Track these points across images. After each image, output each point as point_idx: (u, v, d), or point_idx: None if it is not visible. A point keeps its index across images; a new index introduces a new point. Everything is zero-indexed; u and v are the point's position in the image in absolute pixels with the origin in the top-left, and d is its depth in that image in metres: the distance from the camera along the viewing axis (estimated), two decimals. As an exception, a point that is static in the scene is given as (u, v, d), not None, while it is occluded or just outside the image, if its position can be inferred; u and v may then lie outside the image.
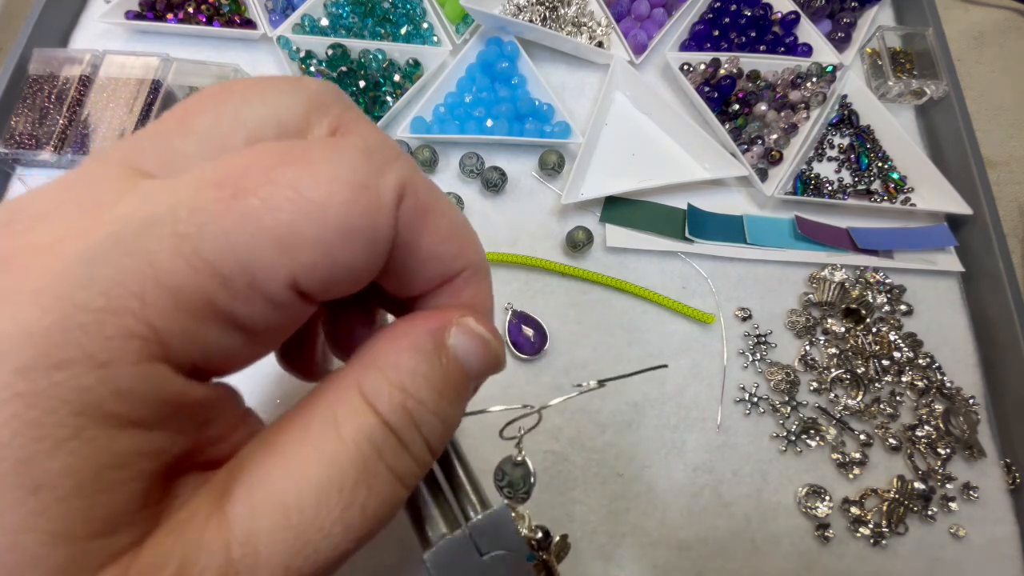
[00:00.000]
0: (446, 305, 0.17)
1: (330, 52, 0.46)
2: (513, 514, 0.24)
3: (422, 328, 0.16)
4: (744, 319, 0.42)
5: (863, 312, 0.41)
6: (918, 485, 0.37)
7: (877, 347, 0.41)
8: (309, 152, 0.14)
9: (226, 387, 0.15)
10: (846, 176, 0.47)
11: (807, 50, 0.50)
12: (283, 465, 0.14)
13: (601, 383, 0.24)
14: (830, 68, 0.48)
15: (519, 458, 0.26)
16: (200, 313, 0.12)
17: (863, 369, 0.40)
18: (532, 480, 0.25)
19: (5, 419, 0.10)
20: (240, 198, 0.12)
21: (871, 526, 0.36)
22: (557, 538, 0.29)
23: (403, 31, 0.48)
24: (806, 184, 0.46)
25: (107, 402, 0.11)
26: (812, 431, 0.38)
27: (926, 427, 0.39)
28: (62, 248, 0.11)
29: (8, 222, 0.12)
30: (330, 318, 0.20)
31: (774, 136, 0.46)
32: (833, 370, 0.40)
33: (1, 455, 0.10)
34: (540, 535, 0.26)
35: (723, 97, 0.47)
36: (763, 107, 0.47)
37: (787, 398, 0.39)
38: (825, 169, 0.48)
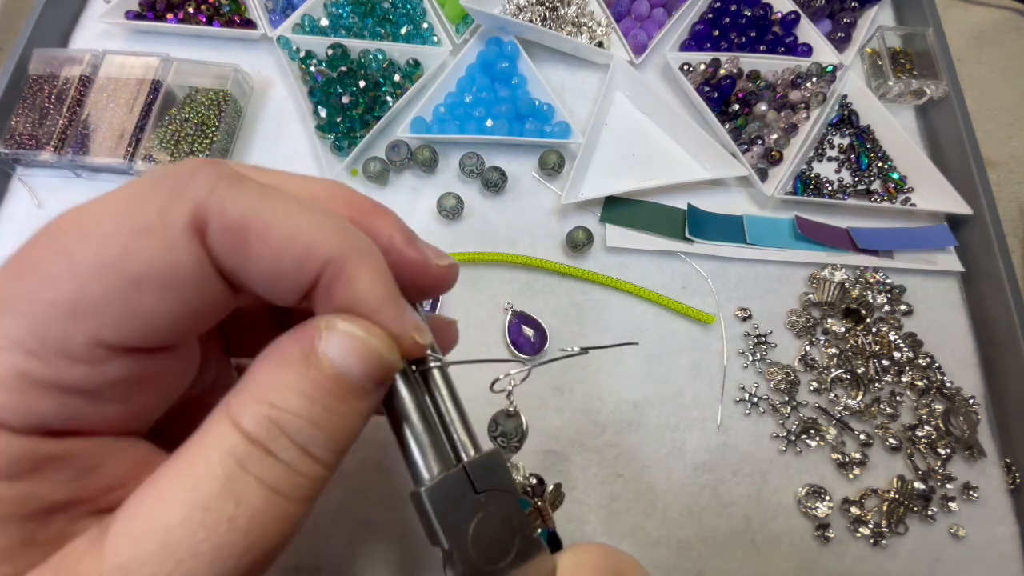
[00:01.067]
0: (323, 312, 0.16)
1: (330, 52, 0.46)
2: (508, 464, 0.25)
3: (289, 341, 0.15)
4: (744, 319, 0.42)
5: (863, 312, 0.41)
6: (918, 485, 0.37)
7: (877, 347, 0.41)
8: (89, 208, 0.14)
9: (124, 438, 0.15)
10: (846, 176, 0.47)
11: (807, 50, 0.50)
12: (156, 493, 0.14)
13: (584, 350, 0.25)
14: (830, 68, 0.48)
15: (512, 409, 0.27)
16: (19, 386, 0.13)
17: (863, 369, 0.40)
18: (524, 430, 0.26)
19: None
20: (23, 278, 0.13)
21: (871, 526, 0.36)
22: (551, 487, 0.29)
23: (403, 31, 0.48)
24: (806, 184, 0.46)
25: None
26: (812, 431, 0.38)
27: (926, 427, 0.39)
28: None
29: None
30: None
31: (774, 136, 0.46)
32: (833, 370, 0.40)
33: None
34: (535, 482, 0.27)
35: (723, 97, 0.47)
36: (763, 107, 0.47)
37: (787, 398, 0.39)
38: (825, 169, 0.48)
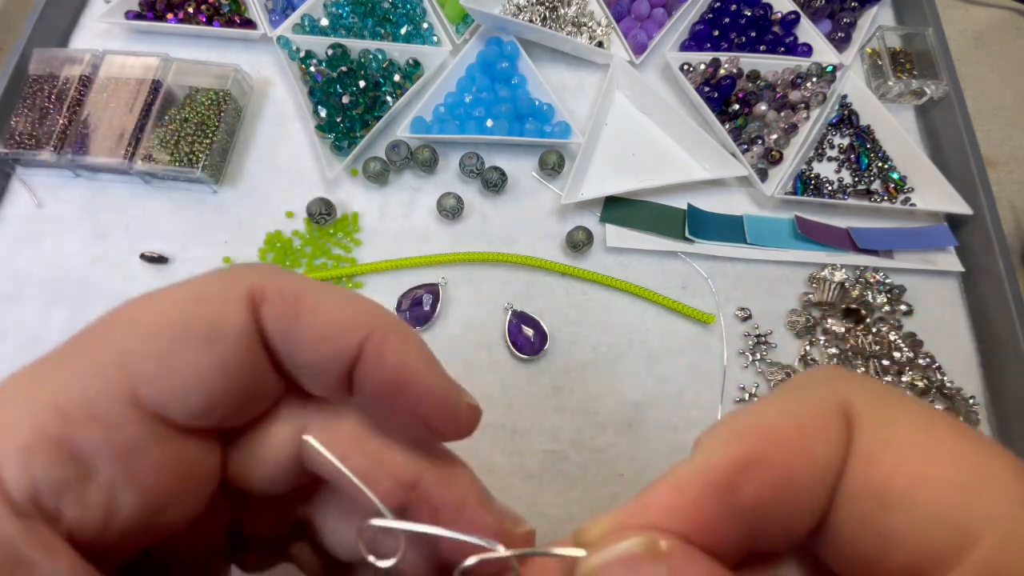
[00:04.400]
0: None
1: (330, 52, 0.46)
2: None
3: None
4: (744, 319, 0.42)
5: (863, 312, 0.41)
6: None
7: (877, 347, 0.41)
8: (165, 288, 0.15)
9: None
10: (846, 176, 0.47)
11: (807, 50, 0.50)
12: None
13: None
14: (830, 68, 0.48)
15: None
16: (33, 448, 0.13)
17: (863, 369, 0.40)
18: None
19: None
20: (84, 339, 0.14)
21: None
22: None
23: (403, 31, 0.48)
24: (806, 184, 0.46)
25: None
26: (812, 431, 0.38)
27: (926, 427, 0.38)
28: None
29: None
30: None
31: (774, 136, 0.46)
32: (833, 370, 0.40)
33: None
34: None
35: (723, 97, 0.47)
36: (763, 107, 0.47)
37: (787, 398, 0.39)
38: (825, 169, 0.48)
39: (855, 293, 0.42)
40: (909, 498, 0.11)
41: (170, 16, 0.48)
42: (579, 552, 0.13)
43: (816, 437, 0.12)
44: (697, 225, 0.43)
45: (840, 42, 0.51)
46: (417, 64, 0.47)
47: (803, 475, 0.12)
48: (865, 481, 0.12)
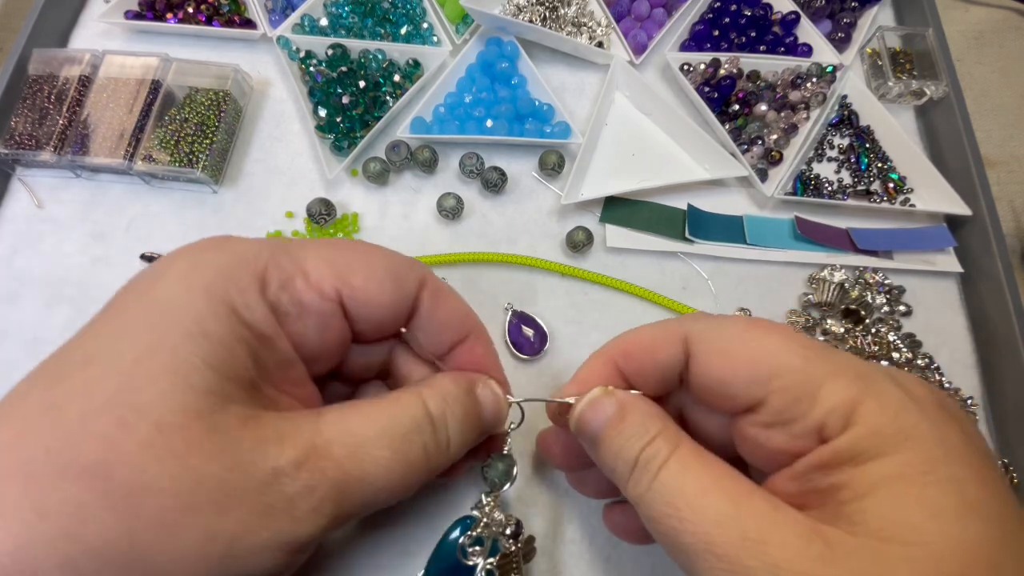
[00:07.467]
0: (481, 372, 0.28)
1: (330, 52, 0.46)
2: (492, 500, 0.30)
3: (465, 375, 0.27)
4: (744, 319, 0.42)
5: (862, 313, 0.41)
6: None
7: (876, 348, 0.41)
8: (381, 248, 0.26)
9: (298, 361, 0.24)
10: (846, 176, 0.47)
11: (807, 50, 0.50)
12: (361, 412, 0.23)
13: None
14: (830, 68, 0.48)
15: (506, 451, 0.30)
16: (280, 287, 0.22)
17: (862, 369, 0.40)
18: (513, 474, 0.30)
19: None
20: (329, 247, 0.24)
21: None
22: (526, 536, 0.30)
23: (403, 31, 0.48)
24: (806, 184, 0.46)
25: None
26: (811, 431, 0.38)
27: (925, 427, 0.39)
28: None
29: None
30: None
31: (774, 136, 0.46)
32: (832, 370, 0.40)
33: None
34: (514, 525, 0.29)
35: (723, 97, 0.47)
36: (763, 107, 0.47)
37: (786, 398, 0.39)
38: (825, 169, 0.48)
39: (854, 294, 0.42)
40: (725, 369, 0.22)
41: (170, 16, 0.48)
42: (570, 400, 0.26)
43: (660, 348, 0.24)
44: (697, 225, 0.43)
45: (840, 42, 0.51)
46: (417, 64, 0.47)
47: (650, 366, 0.24)
48: (700, 365, 0.23)
